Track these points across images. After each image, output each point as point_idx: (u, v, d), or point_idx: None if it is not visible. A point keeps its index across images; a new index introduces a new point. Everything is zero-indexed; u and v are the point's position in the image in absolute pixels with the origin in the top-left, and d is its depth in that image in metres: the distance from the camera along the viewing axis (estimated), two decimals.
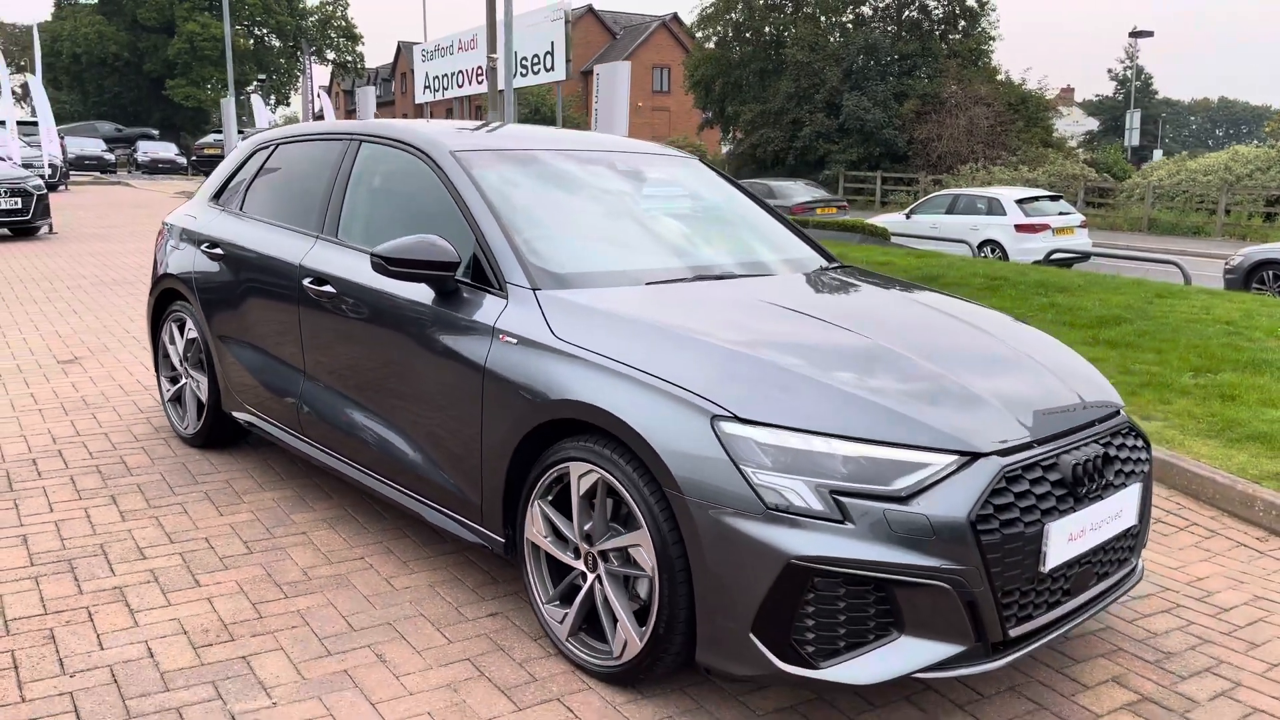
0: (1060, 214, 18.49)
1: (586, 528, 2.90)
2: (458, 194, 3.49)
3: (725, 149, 45.07)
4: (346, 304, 3.72)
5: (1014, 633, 2.65)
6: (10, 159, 18.05)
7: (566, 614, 2.99)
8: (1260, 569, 4.05)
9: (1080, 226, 18.61)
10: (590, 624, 2.97)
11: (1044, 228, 17.76)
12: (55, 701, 2.73)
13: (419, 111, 26.89)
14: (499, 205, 3.43)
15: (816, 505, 2.50)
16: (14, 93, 23.01)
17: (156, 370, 5.15)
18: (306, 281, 3.88)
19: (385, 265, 3.25)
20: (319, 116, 40.13)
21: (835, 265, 4.07)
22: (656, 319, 2.98)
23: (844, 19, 41.29)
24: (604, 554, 2.86)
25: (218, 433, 4.72)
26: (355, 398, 3.74)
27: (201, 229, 4.72)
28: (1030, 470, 2.66)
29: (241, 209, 4.60)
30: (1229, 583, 3.90)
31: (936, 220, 19.10)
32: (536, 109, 47.36)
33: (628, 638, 2.80)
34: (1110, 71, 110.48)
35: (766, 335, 2.99)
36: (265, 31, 58.22)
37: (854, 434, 2.58)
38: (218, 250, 4.50)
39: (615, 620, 2.85)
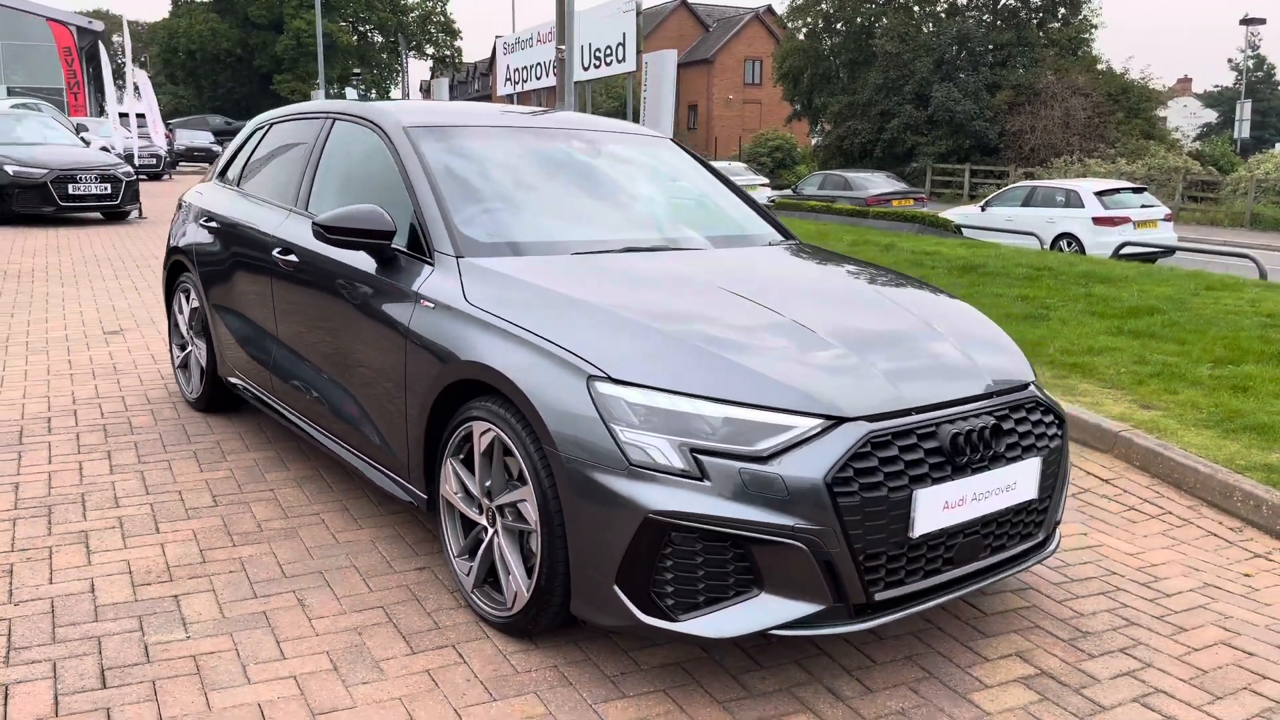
0: (1143, 206, 17.85)
1: (487, 484, 3.03)
2: (402, 166, 3.65)
3: (815, 141, 44.58)
4: (306, 272, 3.92)
5: (880, 596, 2.69)
6: (113, 149, 19.04)
7: (471, 567, 3.13)
8: (1222, 559, 3.95)
9: (1165, 220, 17.93)
10: (493, 576, 3.10)
11: (1124, 221, 17.16)
12: None
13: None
14: (438, 177, 3.58)
15: (678, 463, 2.58)
16: (134, 86, 24.26)
17: (169, 339, 5.46)
18: (275, 252, 4.10)
19: (324, 233, 3.43)
20: None
21: (782, 242, 4.11)
22: (561, 287, 3.09)
23: (938, 8, 40.45)
24: (501, 509, 2.99)
25: (217, 397, 4.99)
26: (313, 361, 3.94)
27: (203, 204, 5.00)
28: (903, 437, 2.69)
29: (239, 184, 4.86)
30: (1183, 570, 3.82)
31: (1012, 213, 18.63)
32: (625, 101, 47.47)
33: (518, 589, 2.92)
34: (1230, 62, 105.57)
35: (663, 304, 3.07)
36: (368, 28, 59.83)
37: (720, 396, 2.65)
38: (214, 224, 4.77)
39: (509, 572, 2.97)
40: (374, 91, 60.16)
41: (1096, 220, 17.23)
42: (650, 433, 2.61)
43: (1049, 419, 3.10)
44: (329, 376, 3.83)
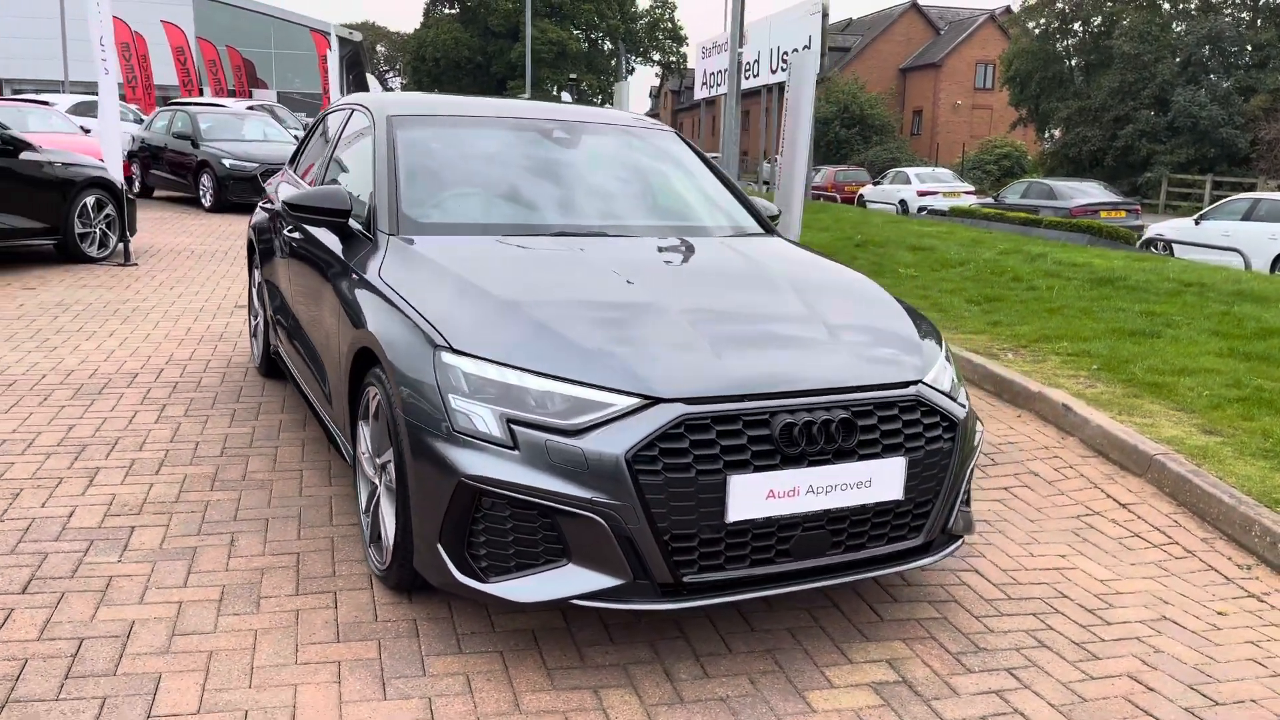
0: None
1: (377, 445, 3.25)
2: (376, 151, 3.94)
3: (1047, 148, 42.10)
4: (302, 248, 4.28)
5: (690, 579, 2.70)
6: None
7: (369, 523, 3.36)
8: (1206, 595, 3.62)
9: None
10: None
11: None
12: None
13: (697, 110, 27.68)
14: (400, 162, 3.84)
15: (495, 432, 2.70)
16: (392, 91, 26.40)
17: (248, 311, 6.04)
18: (287, 230, 4.50)
19: (290, 210, 3.76)
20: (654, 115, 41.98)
21: (752, 233, 4.10)
22: (453, 265, 3.26)
23: (1190, 5, 37.35)
24: (382, 468, 3.19)
25: (271, 362, 5.48)
26: (304, 328, 4.30)
27: (269, 189, 5.51)
28: (726, 422, 2.69)
29: (295, 170, 5.33)
30: (1149, 600, 3.54)
31: (1230, 228, 17.00)
32: (845, 107, 46.74)
33: (388, 544, 3.12)
34: None
35: (539, 283, 3.18)
36: (598, 35, 61.92)
37: (546, 371, 2.74)
38: (266, 204, 5.26)
39: (385, 528, 3.17)
40: (600, 97, 62.14)
41: None
42: (478, 402, 2.74)
43: (932, 421, 2.98)
44: (311, 342, 4.17)
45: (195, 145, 15.63)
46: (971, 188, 28.53)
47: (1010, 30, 43.96)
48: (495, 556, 2.73)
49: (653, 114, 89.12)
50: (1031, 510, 4.31)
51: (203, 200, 15.37)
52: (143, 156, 16.82)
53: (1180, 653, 3.17)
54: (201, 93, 35.53)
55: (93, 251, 9.61)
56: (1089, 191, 22.69)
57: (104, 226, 9.73)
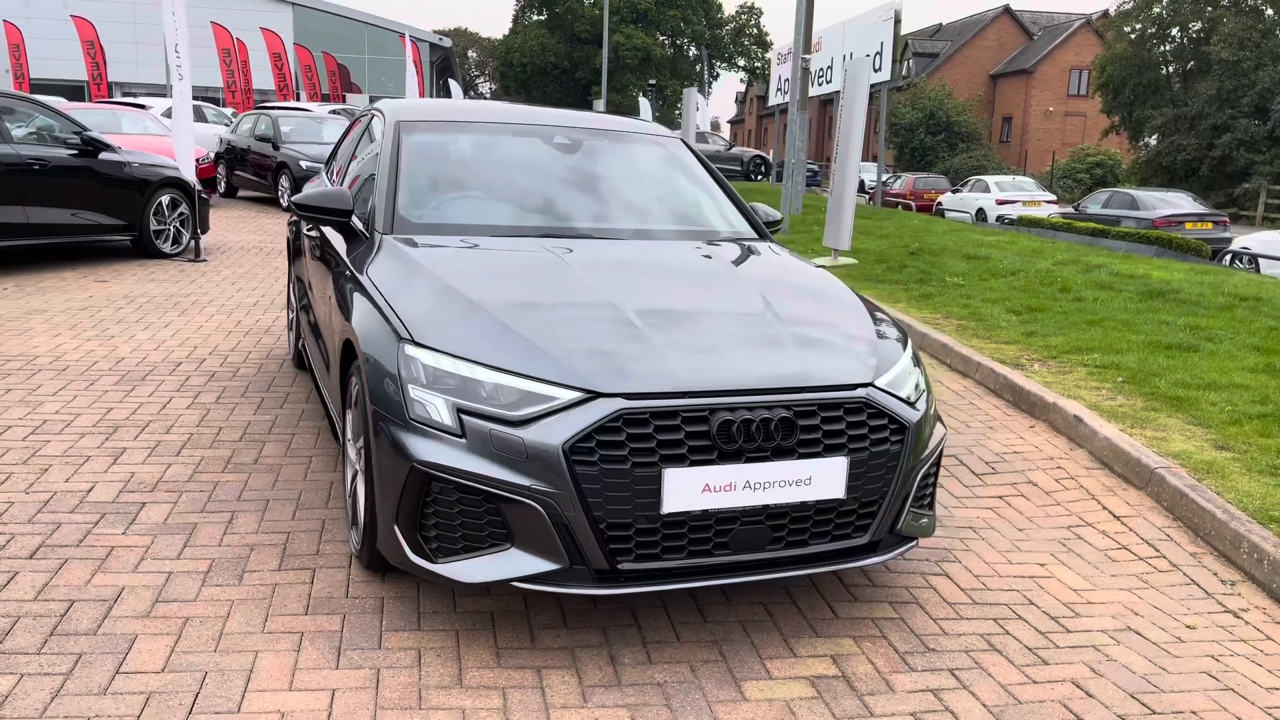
0: None
1: (355, 432, 3.44)
2: (382, 154, 4.15)
3: (1141, 157, 40.83)
4: (319, 245, 4.52)
5: (626, 566, 2.82)
6: None
7: (349, 505, 3.55)
8: (1180, 608, 3.60)
9: None
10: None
11: None
12: None
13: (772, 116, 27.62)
14: (402, 165, 4.04)
15: (447, 421, 2.86)
16: (483, 98, 27.08)
17: (287, 305, 6.33)
18: (306, 228, 4.75)
19: (297, 209, 3.99)
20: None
21: (745, 238, 4.20)
22: (430, 263, 3.44)
23: None
24: (358, 454, 3.38)
25: (301, 355, 5.75)
26: (315, 321, 4.53)
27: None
28: (664, 417, 2.80)
29: (328, 172, 5.60)
30: (1118, 610, 3.54)
31: None
32: (931, 114, 46.00)
33: (361, 525, 3.31)
34: None
35: (508, 282, 3.33)
36: (683, 40, 62.15)
37: (498, 365, 2.89)
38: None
39: (359, 511, 3.36)
40: (681, 103, 62.38)
41: None
42: (434, 392, 2.90)
43: (878, 424, 3.04)
44: (321, 334, 4.40)
45: (276, 147, 16.24)
46: (1053, 197, 27.89)
47: (1106, 35, 42.78)
48: (444, 539, 2.89)
49: (738, 120, 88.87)
50: (1022, 519, 4.31)
51: (281, 200, 15.96)
52: (228, 158, 17.56)
53: (1133, 662, 3.17)
54: (298, 96, 36.80)
55: (166, 248, 10.12)
56: (1175, 202, 22.03)
57: (178, 224, 10.23)
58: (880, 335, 3.38)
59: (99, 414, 4.95)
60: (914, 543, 3.29)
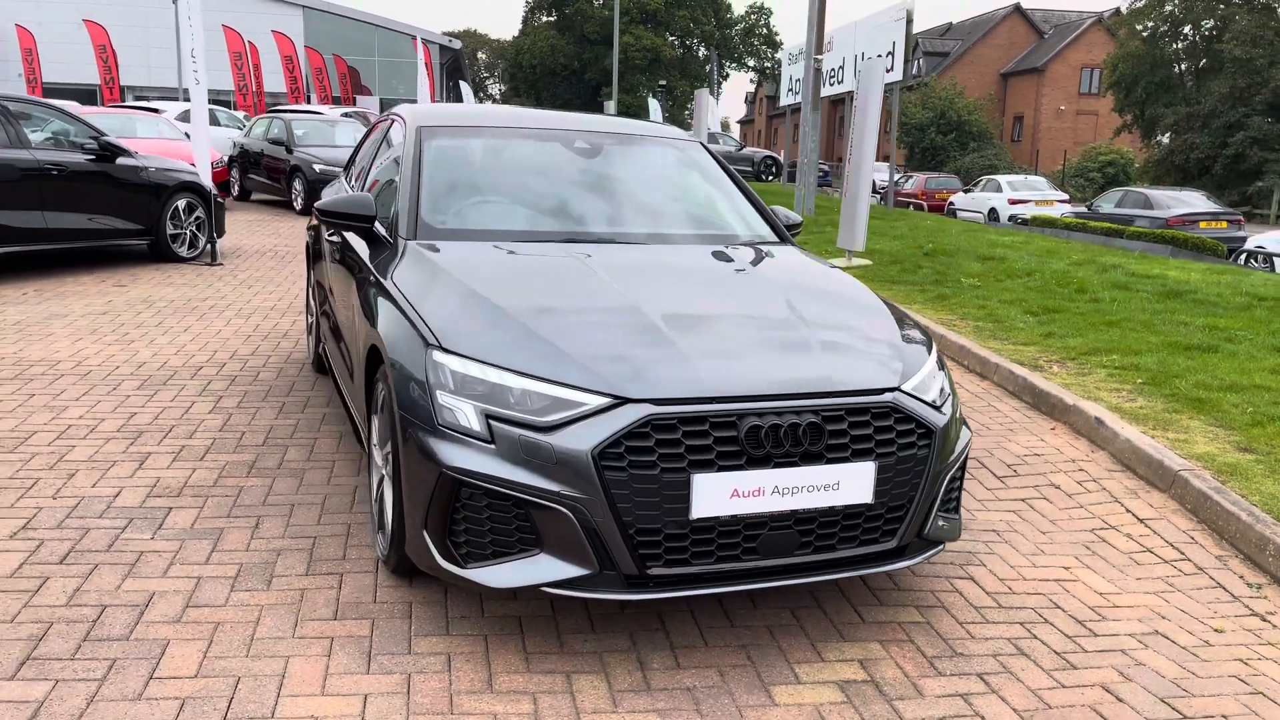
0: None
1: (381, 437, 3.45)
2: (404, 159, 4.16)
3: (1154, 155, 40.69)
4: (340, 251, 4.54)
5: (656, 571, 2.82)
6: None
7: (376, 510, 3.56)
8: (1207, 611, 3.59)
9: None
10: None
11: None
12: (27, 511, 3.81)
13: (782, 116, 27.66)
14: (425, 171, 4.05)
15: (476, 427, 2.87)
16: (493, 99, 27.12)
17: (306, 309, 6.36)
18: (328, 234, 4.76)
19: (321, 215, 4.01)
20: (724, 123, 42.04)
21: (767, 242, 4.20)
22: (455, 269, 3.45)
23: None
24: (386, 459, 3.40)
25: (320, 359, 5.77)
26: (337, 327, 4.55)
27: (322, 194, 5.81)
28: (693, 423, 2.80)
29: (347, 177, 5.62)
30: (1145, 614, 3.53)
31: None
32: (942, 113, 45.90)
33: (389, 531, 3.32)
34: None
35: (532, 286, 3.35)
36: (693, 40, 62.15)
37: (526, 370, 2.90)
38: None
39: (386, 516, 3.37)
40: (691, 103, 62.36)
41: None
42: (462, 398, 2.92)
43: (905, 428, 3.04)
44: (344, 339, 4.41)
45: (289, 150, 16.31)
46: (1065, 196, 27.82)
47: (1118, 33, 42.65)
48: (474, 544, 2.90)
49: (748, 120, 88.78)
50: (1045, 522, 4.30)
51: (294, 204, 16.02)
52: (241, 162, 17.63)
53: (1162, 666, 3.16)
54: (309, 99, 36.88)
55: (183, 252, 10.16)
56: (1188, 201, 21.95)
57: (194, 228, 10.28)
58: (906, 339, 3.38)
59: (122, 419, 4.97)
60: (940, 547, 3.29)
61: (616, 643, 3.10)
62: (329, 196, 4.10)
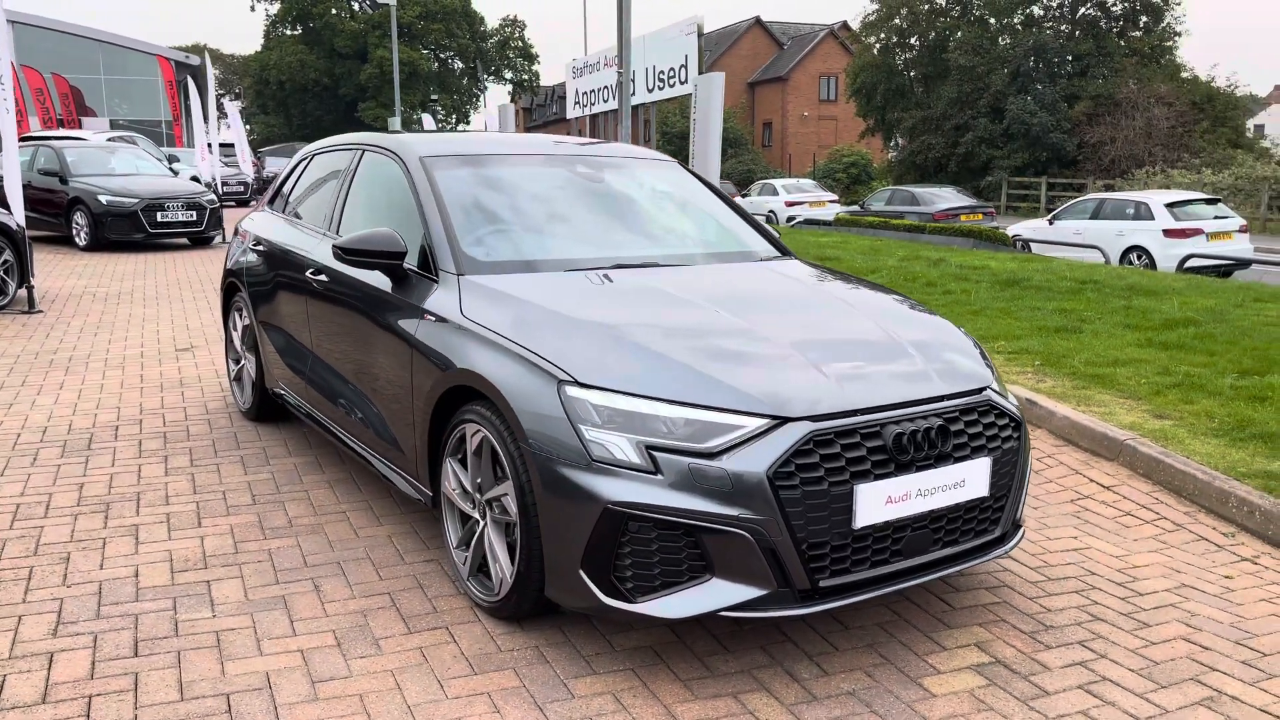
0: (1217, 218, 17.47)
1: (478, 481, 3.33)
2: (416, 193, 4.00)
3: (890, 156, 44.33)
4: (335, 291, 4.29)
5: (825, 583, 2.91)
6: (201, 178, 20.03)
7: (467, 557, 3.43)
8: (1208, 562, 4.05)
9: (1240, 231, 17.51)
10: (485, 565, 3.40)
11: (1196, 233, 16.82)
12: (48, 604, 3.38)
13: (566, 128, 28.16)
14: (448, 203, 3.92)
15: (634, 459, 2.85)
16: (222, 117, 25.51)
17: (226, 354, 5.92)
18: (309, 273, 4.49)
19: (343, 254, 3.79)
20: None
21: (774, 258, 4.35)
22: (544, 302, 3.39)
23: (1014, 20, 40.02)
24: (489, 503, 3.28)
25: (265, 407, 5.40)
26: (340, 371, 4.30)
27: (254, 229, 5.44)
28: (846, 436, 2.91)
29: (285, 210, 5.29)
30: (1164, 571, 3.94)
31: (1081, 226, 18.38)
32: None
33: (503, 576, 3.22)
34: None
35: (634, 315, 3.35)
36: (449, 54, 61.47)
37: (675, 398, 2.91)
38: (260, 248, 5.20)
39: (496, 561, 3.26)
40: (454, 117, 61.68)
41: (1167, 233, 16.92)
42: (611, 431, 2.88)
43: (1003, 422, 3.29)
44: (353, 385, 4.19)
45: (64, 181, 14.89)
46: (835, 196, 29.76)
47: (853, 46, 46.07)
48: (641, 577, 2.87)
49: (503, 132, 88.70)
50: (1030, 498, 4.70)
51: (77, 239, 14.64)
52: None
53: (1212, 614, 3.57)
54: (30, 123, 33.50)
55: None
56: (947, 196, 24.05)
57: (2, 273, 9.23)
58: (974, 344, 3.63)
59: (72, 490, 4.47)
60: (1024, 530, 3.56)
61: (756, 659, 3.16)
62: (349, 235, 3.85)
